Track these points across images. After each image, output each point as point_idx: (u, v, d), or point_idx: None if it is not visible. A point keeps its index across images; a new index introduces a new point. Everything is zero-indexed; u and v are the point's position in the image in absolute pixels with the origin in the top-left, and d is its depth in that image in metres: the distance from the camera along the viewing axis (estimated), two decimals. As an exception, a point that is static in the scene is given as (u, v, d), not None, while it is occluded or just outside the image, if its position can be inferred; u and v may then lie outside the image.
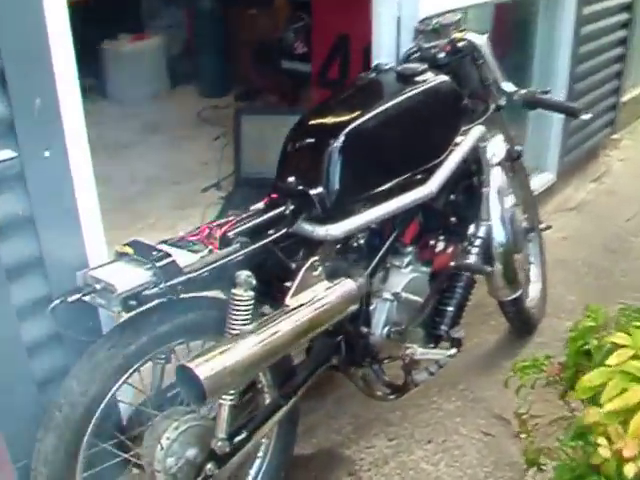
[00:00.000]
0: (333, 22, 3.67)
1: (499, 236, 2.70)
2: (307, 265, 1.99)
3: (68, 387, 1.78)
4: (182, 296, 1.83)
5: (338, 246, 2.23)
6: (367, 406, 2.76)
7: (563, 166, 4.41)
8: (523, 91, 2.57)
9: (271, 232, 2.02)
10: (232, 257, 1.90)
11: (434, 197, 2.31)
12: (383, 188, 2.22)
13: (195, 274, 1.81)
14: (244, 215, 2.07)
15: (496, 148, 2.79)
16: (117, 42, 5.73)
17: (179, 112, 5.51)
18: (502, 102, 2.65)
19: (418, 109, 2.31)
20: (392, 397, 2.46)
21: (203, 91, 5.89)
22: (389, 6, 2.74)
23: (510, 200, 2.83)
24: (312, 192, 2.07)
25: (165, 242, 1.96)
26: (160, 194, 4.19)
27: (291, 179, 2.11)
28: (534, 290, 3.29)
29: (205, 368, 1.68)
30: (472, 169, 2.52)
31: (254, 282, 1.90)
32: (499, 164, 2.77)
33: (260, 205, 2.16)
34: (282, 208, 2.07)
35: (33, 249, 1.79)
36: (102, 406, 1.80)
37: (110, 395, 1.81)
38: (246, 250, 1.92)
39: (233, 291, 1.90)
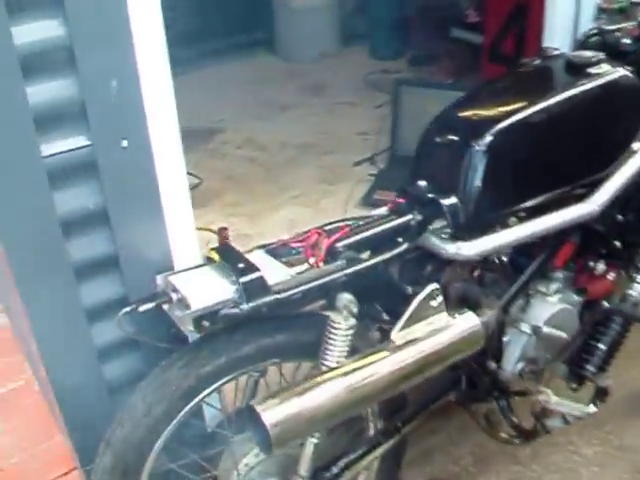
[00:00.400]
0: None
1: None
2: (426, 292, 1.66)
3: (133, 403, 1.58)
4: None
5: (470, 268, 1.88)
6: (494, 437, 2.41)
7: None
8: None
9: (388, 248, 1.71)
10: (333, 277, 1.61)
11: (597, 216, 1.90)
12: (534, 202, 1.85)
13: (284, 295, 1.54)
14: (362, 222, 1.78)
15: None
16: (287, 0, 5.50)
17: (346, 74, 5.22)
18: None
19: (587, 108, 1.90)
20: (518, 441, 2.11)
21: (375, 52, 5.55)
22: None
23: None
24: (444, 201, 1.75)
25: (264, 247, 1.71)
26: (310, 164, 3.95)
27: (422, 183, 1.81)
28: None
29: (275, 413, 1.42)
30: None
31: (356, 309, 1.61)
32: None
33: (383, 210, 1.86)
34: (407, 218, 1.76)
35: (107, 247, 1.58)
36: (169, 428, 1.59)
37: (178, 418, 1.59)
38: (351, 270, 1.63)
39: (331, 317, 1.62)
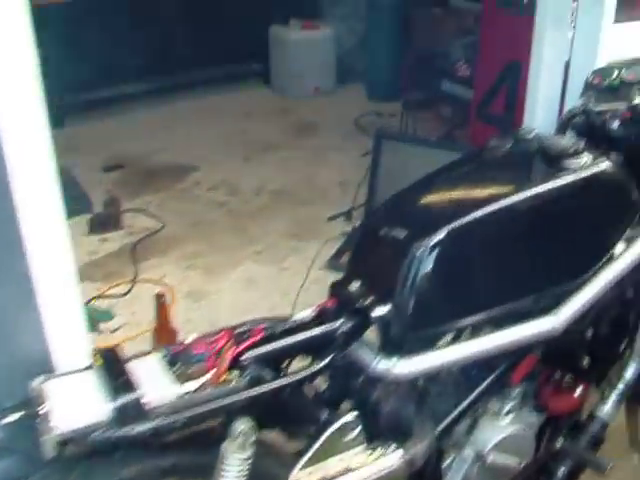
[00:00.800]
0: (503, 44, 2.96)
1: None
2: (341, 422, 1.39)
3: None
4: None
5: (405, 386, 1.61)
6: None
7: None
8: None
9: (304, 366, 1.45)
10: (229, 401, 1.34)
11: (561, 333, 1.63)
12: (487, 315, 1.57)
13: (160, 423, 1.27)
14: (280, 328, 1.51)
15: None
16: (286, 28, 5.26)
17: (338, 113, 4.97)
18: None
19: (558, 208, 1.62)
20: None
21: (371, 92, 5.31)
22: (556, 44, 2.04)
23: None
24: (377, 310, 1.47)
25: (161, 350, 1.44)
26: (282, 214, 3.68)
27: (355, 285, 1.53)
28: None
29: None
30: (628, 294, 1.80)
31: (254, 438, 1.34)
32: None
33: (309, 313, 1.58)
34: (333, 326, 1.49)
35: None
36: None
37: None
38: (252, 393, 1.36)
39: (224, 445, 1.35)
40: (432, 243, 1.47)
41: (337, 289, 1.56)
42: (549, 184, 1.60)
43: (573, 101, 2.02)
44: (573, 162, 1.65)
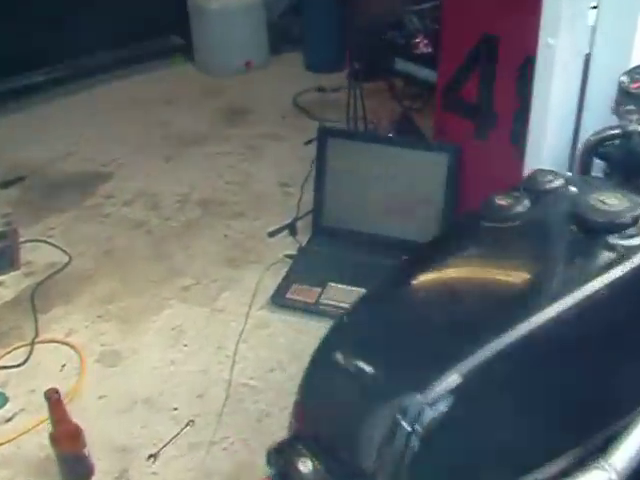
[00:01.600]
0: (477, 12, 2.31)
1: None
2: None
3: None
4: None
5: None
6: None
7: None
8: None
9: None
10: None
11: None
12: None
13: None
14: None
15: None
16: (207, -5, 4.52)
17: (274, 92, 4.29)
18: None
19: (616, 316, 1.04)
20: None
21: (309, 63, 4.63)
22: (573, 30, 1.42)
23: None
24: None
25: None
26: (213, 232, 3.04)
27: (304, 467, 0.98)
28: None
29: None
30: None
31: None
32: None
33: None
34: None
35: None
36: None
37: None
38: None
39: None
40: (423, 408, 0.90)
41: (277, 461, 0.98)
42: (598, 281, 1.01)
43: (596, 113, 1.42)
44: (629, 239, 1.07)
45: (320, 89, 4.31)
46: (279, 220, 3.04)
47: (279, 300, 2.58)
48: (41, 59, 4.17)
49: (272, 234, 2.97)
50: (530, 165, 1.62)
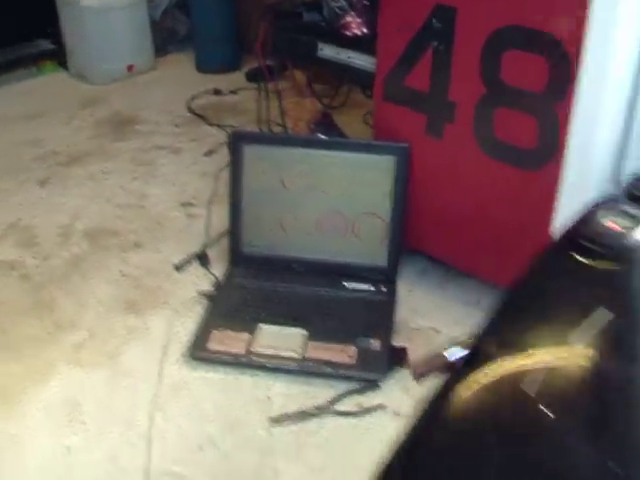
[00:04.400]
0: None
1: None
2: None
3: None
4: None
5: None
6: None
7: None
8: None
9: None
10: None
11: None
12: None
13: None
14: None
15: None
16: (79, -8, 3.91)
17: (163, 98, 3.75)
18: None
19: None
20: None
21: (201, 64, 4.10)
22: None
23: None
24: None
25: None
26: (105, 270, 2.47)
27: None
28: None
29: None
30: None
31: None
32: None
33: None
34: None
35: None
36: None
37: None
38: None
39: None
40: None
41: None
42: None
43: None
44: None
45: (216, 91, 3.80)
46: (185, 249, 2.50)
47: (198, 353, 2.05)
48: None
49: (179, 267, 2.42)
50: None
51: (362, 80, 2.26)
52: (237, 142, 2.28)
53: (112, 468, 1.78)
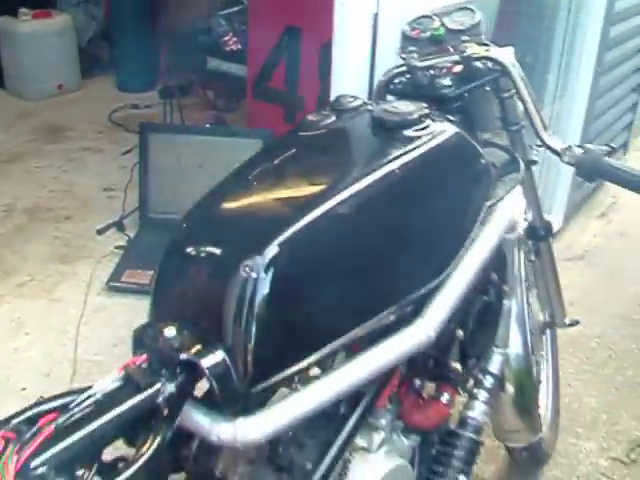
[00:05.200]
0: (278, 8, 2.60)
1: (515, 350, 1.77)
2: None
3: None
4: None
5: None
6: None
7: (569, 205, 3.45)
8: (578, 150, 1.54)
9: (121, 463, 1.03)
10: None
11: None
12: (345, 341, 1.22)
13: None
14: (77, 412, 1.05)
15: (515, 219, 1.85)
16: (15, 20, 4.58)
17: (88, 111, 4.42)
18: (534, 156, 1.68)
19: (409, 192, 1.31)
20: None
21: (122, 84, 4.80)
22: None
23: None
24: (206, 361, 1.08)
25: None
26: (42, 235, 3.13)
27: (170, 332, 1.12)
28: (544, 402, 2.31)
29: None
30: (493, 279, 1.52)
31: None
32: (518, 245, 1.82)
33: (114, 378, 1.14)
34: (151, 390, 1.07)
35: None
36: None
37: None
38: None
39: None
40: (264, 261, 1.10)
41: (144, 339, 1.14)
42: (395, 163, 1.28)
43: (386, 64, 1.70)
44: (417, 131, 1.34)
45: (134, 106, 4.47)
46: (106, 220, 3.17)
47: (115, 284, 2.72)
48: None
49: (100, 231, 3.09)
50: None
51: (239, 83, 3.00)
52: (144, 131, 2.98)
53: (48, 359, 2.44)
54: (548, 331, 2.31)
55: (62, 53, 4.73)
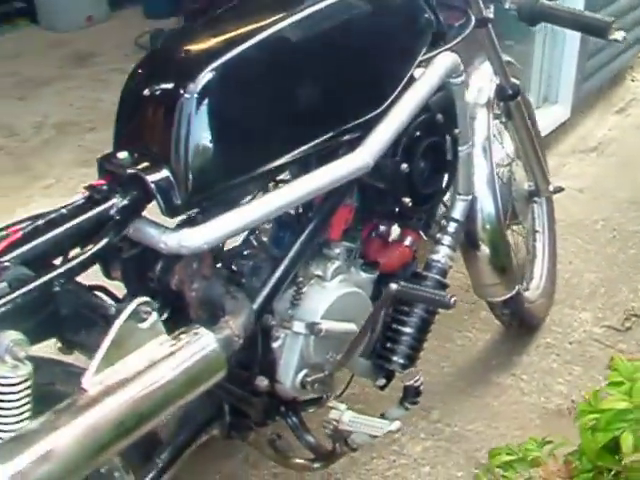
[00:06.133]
0: None
1: (486, 211, 1.89)
2: (128, 312, 1.12)
3: None
4: None
5: (211, 260, 1.38)
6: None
7: (579, 96, 3.48)
8: (517, -4, 1.64)
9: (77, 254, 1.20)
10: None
11: (371, 171, 1.45)
12: (280, 162, 1.36)
13: None
14: (44, 220, 1.24)
15: (481, 83, 1.95)
16: (44, -46, 4.74)
17: (116, 39, 4.57)
18: (489, 14, 1.77)
19: (345, 25, 1.44)
20: (317, 465, 1.65)
21: (149, 11, 4.93)
22: None
23: (503, 156, 2.01)
24: (150, 176, 1.24)
25: None
26: (69, 145, 3.33)
27: (123, 154, 1.28)
28: (539, 272, 2.43)
29: None
30: (438, 119, 1.63)
31: (24, 352, 1.06)
32: (486, 106, 1.93)
33: (77, 198, 1.33)
34: (106, 205, 1.24)
35: None
36: None
37: None
38: (11, 298, 1.09)
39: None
40: (198, 86, 1.25)
41: (105, 165, 1.31)
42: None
43: None
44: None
45: (159, 30, 4.60)
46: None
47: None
48: None
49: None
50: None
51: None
52: (154, 39, 3.12)
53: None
54: (544, 204, 2.41)
55: (90, -15, 4.88)
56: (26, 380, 1.06)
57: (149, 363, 1.11)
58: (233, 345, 1.23)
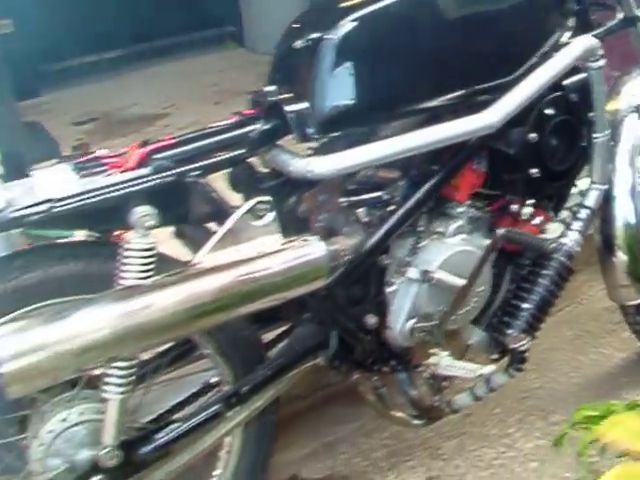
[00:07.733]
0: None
1: (625, 213, 1.88)
2: (249, 205, 1.28)
3: None
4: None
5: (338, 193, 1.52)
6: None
7: None
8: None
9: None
10: (128, 188, 1.27)
11: (497, 133, 1.53)
12: (410, 109, 1.48)
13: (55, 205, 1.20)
14: (195, 134, 1.45)
15: (634, 89, 1.98)
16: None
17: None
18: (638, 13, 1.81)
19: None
20: (417, 422, 1.71)
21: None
22: None
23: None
24: (290, 107, 1.41)
25: (67, 158, 1.38)
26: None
27: (270, 88, 1.46)
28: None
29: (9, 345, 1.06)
30: (572, 98, 1.68)
31: (152, 222, 1.25)
32: (637, 111, 1.95)
33: (227, 121, 1.53)
34: (249, 128, 1.43)
35: None
36: None
37: None
38: (152, 180, 1.28)
39: (125, 235, 1.27)
40: (340, 31, 1.41)
41: (256, 98, 1.50)
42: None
43: None
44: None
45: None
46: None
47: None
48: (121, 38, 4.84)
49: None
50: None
51: None
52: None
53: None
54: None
55: (294, 7, 5.21)
56: (149, 249, 1.24)
57: (258, 254, 1.25)
58: (338, 260, 1.35)
